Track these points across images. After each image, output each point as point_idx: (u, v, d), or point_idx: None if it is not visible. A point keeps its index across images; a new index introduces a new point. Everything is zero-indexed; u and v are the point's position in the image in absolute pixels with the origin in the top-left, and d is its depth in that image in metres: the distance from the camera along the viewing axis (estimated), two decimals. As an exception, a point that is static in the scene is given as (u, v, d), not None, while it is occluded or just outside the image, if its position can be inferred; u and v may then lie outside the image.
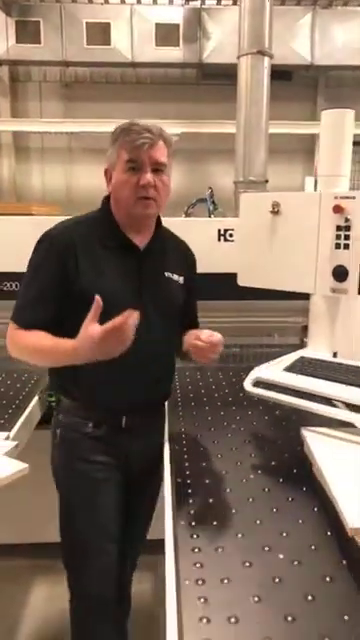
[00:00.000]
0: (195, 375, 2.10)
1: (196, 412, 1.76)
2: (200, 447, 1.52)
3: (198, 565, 0.99)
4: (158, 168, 1.46)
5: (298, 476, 1.33)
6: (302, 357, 1.85)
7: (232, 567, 0.99)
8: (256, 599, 0.90)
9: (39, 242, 1.51)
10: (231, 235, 2.47)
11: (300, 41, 8.39)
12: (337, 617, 0.87)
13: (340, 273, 1.78)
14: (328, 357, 1.92)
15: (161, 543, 1.12)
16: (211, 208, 4.34)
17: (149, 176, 1.43)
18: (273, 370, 1.73)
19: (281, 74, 7.19)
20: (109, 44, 8.40)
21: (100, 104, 9.02)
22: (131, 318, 1.24)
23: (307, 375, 1.67)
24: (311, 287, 1.89)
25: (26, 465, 1.31)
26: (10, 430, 1.60)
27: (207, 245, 2.35)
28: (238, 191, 4.83)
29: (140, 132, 1.42)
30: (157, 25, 8.40)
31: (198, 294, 1.76)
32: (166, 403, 1.72)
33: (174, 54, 8.56)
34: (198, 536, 1.08)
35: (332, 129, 2.00)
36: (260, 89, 4.80)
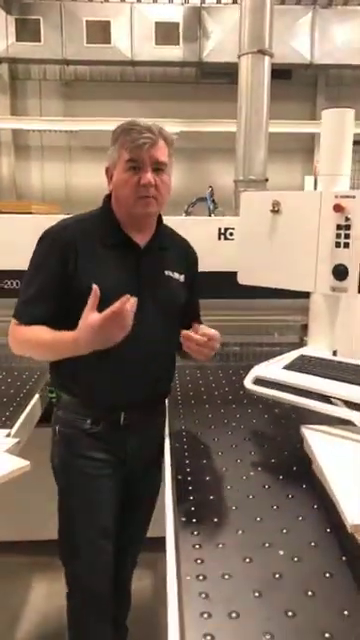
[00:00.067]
0: (195, 373, 2.11)
1: (196, 410, 1.77)
2: (200, 445, 1.52)
3: (199, 561, 1.00)
4: (159, 167, 1.46)
5: (298, 473, 1.34)
6: (302, 355, 1.86)
7: (233, 563, 0.99)
8: (257, 595, 0.91)
9: (40, 240, 1.52)
10: (231, 234, 2.47)
11: (300, 40, 8.41)
12: (337, 612, 0.87)
13: (340, 272, 1.79)
14: (328, 355, 1.92)
15: (161, 541, 1.13)
16: (211, 207, 4.34)
17: (150, 175, 1.44)
18: (273, 368, 1.74)
19: (281, 73, 7.20)
20: (109, 42, 8.41)
21: (100, 102, 9.02)
22: (129, 303, 1.27)
23: (307, 373, 1.67)
24: (311, 286, 1.89)
25: (27, 462, 1.32)
26: (11, 427, 1.60)
27: (207, 244, 2.35)
28: (238, 190, 4.84)
29: (141, 132, 1.42)
30: (157, 24, 8.41)
31: (200, 293, 1.76)
32: (166, 401, 1.73)
33: (174, 53, 8.57)
34: (199, 533, 1.09)
35: (333, 128, 2.01)
36: (260, 88, 4.81)
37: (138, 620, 1.94)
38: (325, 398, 1.56)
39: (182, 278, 1.62)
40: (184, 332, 1.47)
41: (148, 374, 1.55)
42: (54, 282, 1.46)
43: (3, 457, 1.36)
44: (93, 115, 8.51)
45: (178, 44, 8.51)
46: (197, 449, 1.49)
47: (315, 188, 2.10)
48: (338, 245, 1.79)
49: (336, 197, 1.78)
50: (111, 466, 1.56)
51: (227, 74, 7.73)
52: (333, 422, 1.46)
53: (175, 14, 8.46)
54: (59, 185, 9.47)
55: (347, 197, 1.76)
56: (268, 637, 0.82)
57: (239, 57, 4.87)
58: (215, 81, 8.78)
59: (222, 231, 2.48)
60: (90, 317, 1.30)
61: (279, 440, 1.54)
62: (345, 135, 2.00)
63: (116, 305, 1.26)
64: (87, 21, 8.34)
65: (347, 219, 1.76)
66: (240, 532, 1.09)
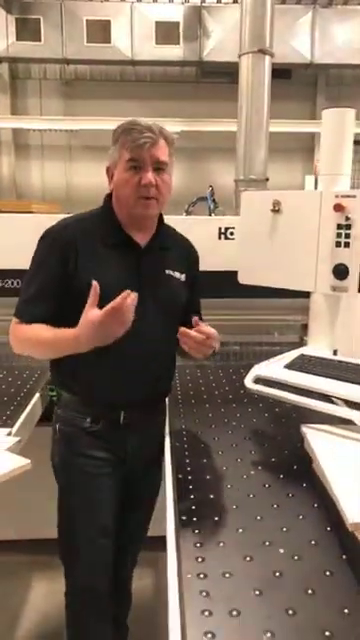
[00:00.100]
0: (195, 372, 2.11)
1: (197, 409, 1.77)
2: (201, 444, 1.53)
3: (200, 559, 1.00)
4: (159, 167, 1.46)
5: (298, 473, 1.34)
6: (302, 355, 1.86)
7: (233, 562, 1.00)
8: (257, 593, 0.91)
9: (41, 239, 1.52)
10: (232, 233, 2.47)
11: (300, 39, 8.40)
12: (337, 611, 0.88)
13: (340, 271, 1.79)
14: (328, 355, 1.93)
15: (161, 540, 1.13)
16: (212, 206, 4.34)
17: (150, 175, 1.44)
18: (273, 367, 1.74)
19: (281, 72, 7.20)
20: (109, 42, 8.41)
21: (100, 102, 9.02)
22: (129, 298, 1.27)
23: (307, 373, 1.68)
24: (311, 285, 1.90)
25: (29, 461, 1.32)
26: (12, 426, 1.61)
27: (208, 243, 2.35)
28: (239, 189, 4.83)
29: (141, 131, 1.42)
30: (157, 23, 8.40)
31: (201, 292, 1.76)
32: (167, 400, 1.73)
33: (174, 52, 8.56)
34: (199, 531, 1.10)
35: (333, 128, 2.01)
36: (261, 88, 4.80)
37: (139, 619, 1.94)
38: (325, 397, 1.57)
39: (183, 277, 1.62)
40: (182, 329, 1.46)
41: (148, 373, 1.55)
42: (54, 281, 1.46)
43: (4, 456, 1.36)
44: (93, 114, 8.51)
45: (178, 43, 8.50)
46: (197, 448, 1.49)
47: (316, 188, 2.10)
48: (338, 245, 1.79)
49: (336, 197, 1.78)
50: (111, 465, 1.57)
51: (227, 73, 7.72)
52: (333, 421, 1.47)
53: (175, 13, 8.45)
54: (59, 184, 9.47)
55: (347, 197, 1.77)
56: (269, 635, 0.82)
57: (239, 57, 4.86)
58: (215, 80, 8.78)
59: (222, 230, 2.48)
60: (90, 313, 1.30)
61: (279, 439, 1.55)
62: (345, 135, 2.00)
63: (116, 300, 1.27)
64: (87, 20, 8.33)
65: (347, 218, 1.76)
66: (240, 531, 1.10)
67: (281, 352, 1.92)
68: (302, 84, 9.19)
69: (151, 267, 1.55)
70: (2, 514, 2.34)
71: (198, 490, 1.26)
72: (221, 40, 8.25)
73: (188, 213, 4.39)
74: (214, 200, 4.41)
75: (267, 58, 4.76)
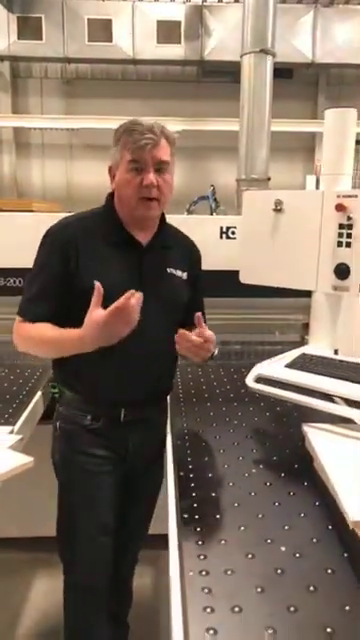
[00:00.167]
0: (197, 371, 2.11)
1: (198, 408, 1.78)
2: (202, 442, 1.53)
3: (201, 557, 1.01)
4: (161, 167, 1.46)
5: (299, 471, 1.34)
6: (304, 354, 1.87)
7: (235, 559, 1.00)
8: (259, 590, 0.92)
9: (43, 238, 1.52)
10: (233, 233, 2.48)
11: (301, 39, 8.41)
12: (338, 608, 0.88)
13: (342, 271, 1.80)
14: (329, 354, 1.93)
15: (161, 538, 1.14)
16: (213, 206, 4.35)
17: (152, 176, 1.44)
18: (275, 367, 1.75)
19: (282, 72, 7.20)
20: (110, 41, 8.41)
21: (101, 101, 9.02)
22: (133, 298, 1.27)
23: (308, 372, 1.68)
24: (313, 285, 1.90)
25: (31, 458, 1.32)
26: (14, 424, 1.61)
27: (209, 242, 2.36)
28: (240, 189, 4.84)
29: (143, 132, 1.42)
30: (158, 22, 8.41)
31: (204, 291, 1.77)
32: (168, 399, 1.73)
33: (175, 51, 8.56)
34: (201, 529, 1.10)
35: (335, 128, 2.02)
36: (263, 87, 4.82)
37: (139, 617, 1.94)
38: (326, 396, 1.57)
39: (185, 276, 1.62)
40: (181, 331, 1.46)
41: (150, 371, 1.56)
42: (56, 280, 1.47)
43: (6, 454, 1.36)
44: (94, 113, 8.52)
45: (180, 42, 8.51)
46: (199, 446, 1.50)
47: (317, 187, 2.11)
48: (340, 244, 1.80)
49: (338, 196, 1.79)
50: (111, 463, 1.57)
51: (229, 72, 7.73)
52: (334, 420, 1.47)
53: (177, 12, 8.46)
54: (60, 183, 9.48)
55: (349, 197, 1.77)
56: (270, 632, 0.82)
57: (242, 56, 4.88)
58: (217, 80, 8.78)
59: (224, 230, 2.49)
60: (95, 314, 1.30)
61: (281, 438, 1.55)
62: (347, 135, 2.01)
63: (120, 301, 1.27)
64: (89, 19, 8.34)
65: (349, 218, 1.77)
66: (242, 528, 1.10)
67: (282, 351, 1.93)
68: (303, 83, 9.20)
69: (153, 265, 1.56)
70: (3, 512, 2.34)
71: (200, 488, 1.26)
72: (222, 39, 8.26)
73: (189, 212, 4.41)
74: (215, 199, 4.43)
75: (269, 58, 4.77)
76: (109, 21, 8.34)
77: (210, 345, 1.49)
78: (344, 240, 1.79)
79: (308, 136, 9.16)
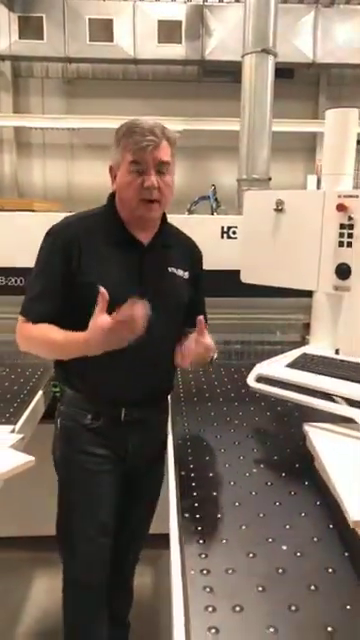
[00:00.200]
0: (198, 371, 2.11)
1: (199, 408, 1.78)
2: (203, 442, 1.53)
3: (203, 556, 1.01)
4: (162, 168, 1.46)
5: (300, 471, 1.35)
6: (304, 354, 1.87)
7: (236, 558, 1.00)
8: (260, 589, 0.92)
9: (45, 238, 1.52)
10: (234, 232, 2.48)
11: (302, 39, 8.40)
12: (339, 607, 0.88)
13: (343, 271, 1.80)
14: (330, 354, 1.93)
15: (162, 537, 1.14)
16: (214, 206, 4.36)
17: (153, 178, 1.43)
18: (275, 366, 1.75)
19: (283, 72, 7.19)
20: (111, 41, 8.41)
21: (102, 100, 9.02)
22: (140, 308, 1.27)
23: (309, 371, 1.68)
24: (314, 285, 1.90)
25: (32, 458, 1.33)
26: (16, 424, 1.61)
27: (210, 242, 2.36)
28: (241, 189, 4.85)
29: (143, 134, 1.42)
30: (159, 22, 8.41)
31: (205, 291, 1.77)
32: (169, 398, 1.73)
33: (176, 51, 8.56)
34: (202, 528, 1.10)
35: (336, 128, 2.02)
36: (264, 88, 4.83)
37: (140, 616, 1.95)
38: (327, 396, 1.57)
39: (186, 275, 1.62)
40: (183, 347, 1.51)
41: (151, 370, 1.56)
42: (58, 280, 1.47)
43: (7, 453, 1.37)
44: (95, 113, 8.52)
45: (181, 42, 8.50)
46: (200, 446, 1.50)
47: (318, 187, 2.11)
48: (341, 244, 1.80)
49: (339, 196, 1.79)
50: (111, 462, 1.57)
51: (230, 72, 7.73)
52: (335, 420, 1.47)
53: (178, 12, 8.46)
54: (61, 183, 9.48)
55: (350, 197, 1.77)
56: (272, 630, 0.83)
57: (243, 56, 4.88)
58: (217, 79, 8.78)
59: (225, 230, 2.49)
60: (100, 319, 1.29)
61: (281, 437, 1.55)
62: (348, 135, 2.01)
63: (125, 309, 1.26)
64: (90, 19, 8.34)
65: (350, 218, 1.77)
66: (243, 527, 1.10)
67: (283, 351, 1.93)
68: (304, 83, 9.20)
69: (153, 265, 1.56)
70: (4, 511, 2.34)
71: (201, 487, 1.26)
72: (223, 39, 8.26)
73: (190, 212, 4.41)
74: (216, 199, 4.43)
75: (270, 58, 4.78)
76: (110, 21, 8.34)
77: (209, 353, 1.53)
78: (345, 240, 1.79)
79: (309, 136, 9.15)
